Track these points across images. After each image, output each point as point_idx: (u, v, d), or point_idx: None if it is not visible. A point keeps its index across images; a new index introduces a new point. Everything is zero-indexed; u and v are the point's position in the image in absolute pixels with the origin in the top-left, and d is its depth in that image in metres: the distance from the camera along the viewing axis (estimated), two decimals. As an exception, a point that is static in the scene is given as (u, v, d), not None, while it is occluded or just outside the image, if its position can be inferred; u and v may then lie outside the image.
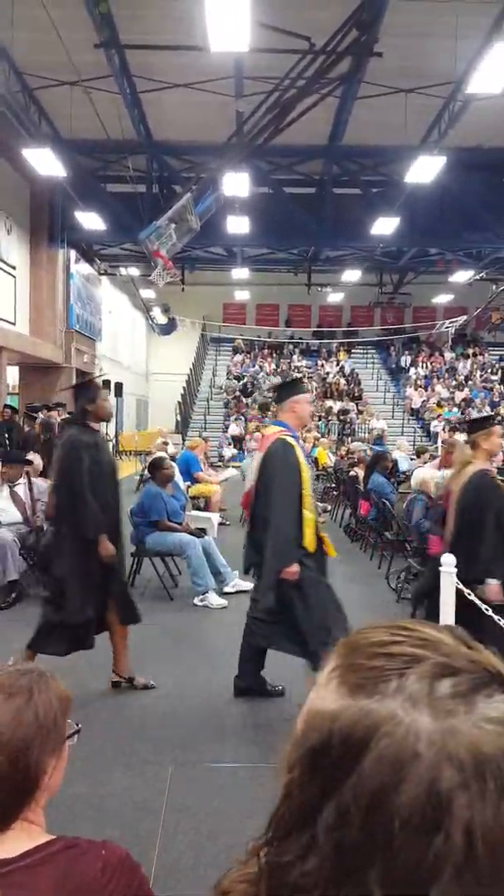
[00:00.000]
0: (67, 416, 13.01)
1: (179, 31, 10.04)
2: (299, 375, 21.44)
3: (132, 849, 1.12)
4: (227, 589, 5.97)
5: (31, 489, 6.17)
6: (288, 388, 4.15)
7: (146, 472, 7.54)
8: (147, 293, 23.12)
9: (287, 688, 3.87)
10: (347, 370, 25.94)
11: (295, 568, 3.49)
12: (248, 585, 4.69)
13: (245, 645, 3.85)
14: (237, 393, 23.88)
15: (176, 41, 10.18)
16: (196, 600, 5.79)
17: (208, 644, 4.87)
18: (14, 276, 15.18)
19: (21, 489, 6.17)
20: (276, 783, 0.47)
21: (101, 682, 4.00)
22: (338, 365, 26.18)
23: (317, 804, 0.43)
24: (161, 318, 20.72)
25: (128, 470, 18.12)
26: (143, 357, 29.79)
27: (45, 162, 11.22)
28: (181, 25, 9.89)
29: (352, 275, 20.91)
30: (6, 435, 10.73)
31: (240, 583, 5.84)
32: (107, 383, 11.86)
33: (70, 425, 4.12)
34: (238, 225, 14.78)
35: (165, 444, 11.93)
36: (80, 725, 1.19)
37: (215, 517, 8.50)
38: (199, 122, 13.30)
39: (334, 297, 25.53)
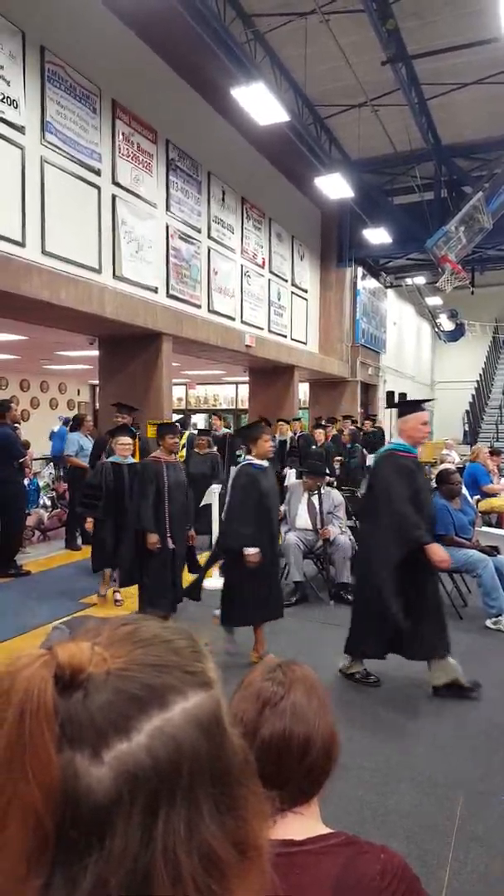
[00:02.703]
0: (356, 428, 13.42)
1: (469, 29, 9.75)
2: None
3: (420, 867, 1.09)
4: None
5: (321, 500, 6.48)
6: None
7: (432, 483, 7.37)
8: (433, 300, 22.64)
9: None
10: None
11: None
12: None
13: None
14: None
15: (466, 39, 9.91)
16: (489, 622, 5.46)
17: (500, 671, 4.56)
18: (306, 300, 16.21)
19: (316, 499, 6.53)
20: None
21: (400, 692, 4.02)
22: None
23: None
24: (448, 325, 20.08)
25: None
26: (428, 366, 29.20)
27: (336, 186, 11.76)
28: (470, 22, 9.62)
29: None
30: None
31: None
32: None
33: None
34: (536, 217, 13.63)
35: (447, 454, 11.59)
36: None
37: (509, 534, 7.90)
38: (493, 116, 12.66)
39: None
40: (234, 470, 4.67)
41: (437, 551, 3.85)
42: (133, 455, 6.22)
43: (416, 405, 4.23)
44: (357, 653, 4.22)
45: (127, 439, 5.97)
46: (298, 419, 12.55)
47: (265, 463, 4.56)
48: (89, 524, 6.04)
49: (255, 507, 4.35)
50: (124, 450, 5.91)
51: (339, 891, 0.96)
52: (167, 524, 4.99)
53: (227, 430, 10.13)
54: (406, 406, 4.24)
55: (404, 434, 4.07)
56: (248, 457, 4.56)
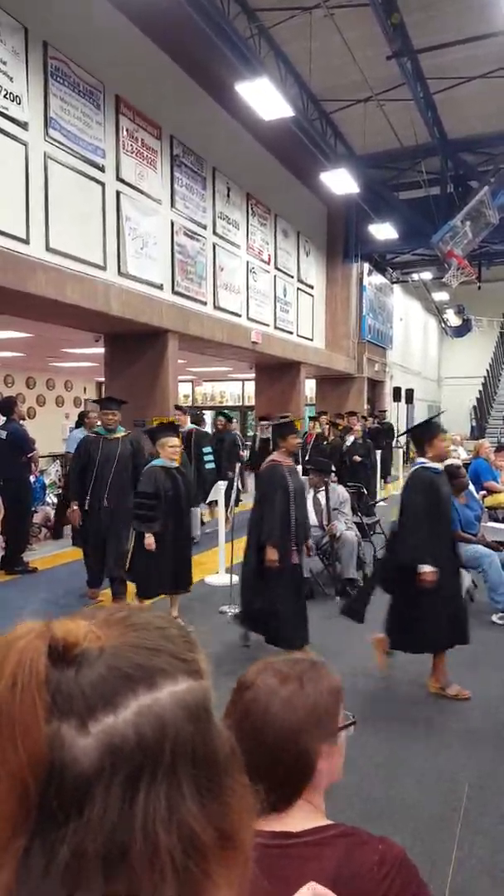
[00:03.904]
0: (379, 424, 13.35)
1: (474, 22, 9.67)
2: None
3: (424, 861, 1.09)
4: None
5: (327, 497, 6.47)
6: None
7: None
8: (440, 296, 22.54)
9: None
10: None
11: None
12: None
13: None
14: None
15: (472, 33, 9.84)
16: (495, 618, 5.44)
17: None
18: (312, 296, 16.16)
19: (322, 496, 6.52)
20: None
21: (407, 686, 4.01)
22: None
23: None
24: (454, 320, 19.99)
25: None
26: (435, 362, 29.10)
27: (341, 182, 11.71)
28: (475, 16, 9.54)
29: None
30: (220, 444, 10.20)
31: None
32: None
33: None
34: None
35: (454, 449, 11.54)
36: (355, 717, 1.19)
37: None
38: (499, 110, 12.57)
39: None
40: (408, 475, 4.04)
41: None
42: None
43: None
44: None
45: (176, 440, 5.24)
46: (286, 417, 12.00)
47: (440, 466, 4.05)
48: (150, 542, 4.91)
49: (430, 516, 3.84)
50: (175, 452, 5.15)
51: (338, 881, 0.95)
52: (293, 535, 4.46)
53: (193, 426, 8.75)
54: None
55: None
56: (422, 459, 4.00)
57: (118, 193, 8.90)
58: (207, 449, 8.61)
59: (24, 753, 0.38)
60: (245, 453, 11.65)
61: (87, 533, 5.96)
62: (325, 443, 11.92)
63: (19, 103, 7.21)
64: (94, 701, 0.40)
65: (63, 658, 0.42)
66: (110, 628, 0.45)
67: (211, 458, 8.62)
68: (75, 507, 5.85)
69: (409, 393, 18.34)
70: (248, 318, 12.64)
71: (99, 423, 6.27)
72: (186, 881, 0.40)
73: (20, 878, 0.38)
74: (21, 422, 7.48)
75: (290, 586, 4.48)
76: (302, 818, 1.06)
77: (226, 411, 9.82)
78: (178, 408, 8.90)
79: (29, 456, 7.29)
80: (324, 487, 6.50)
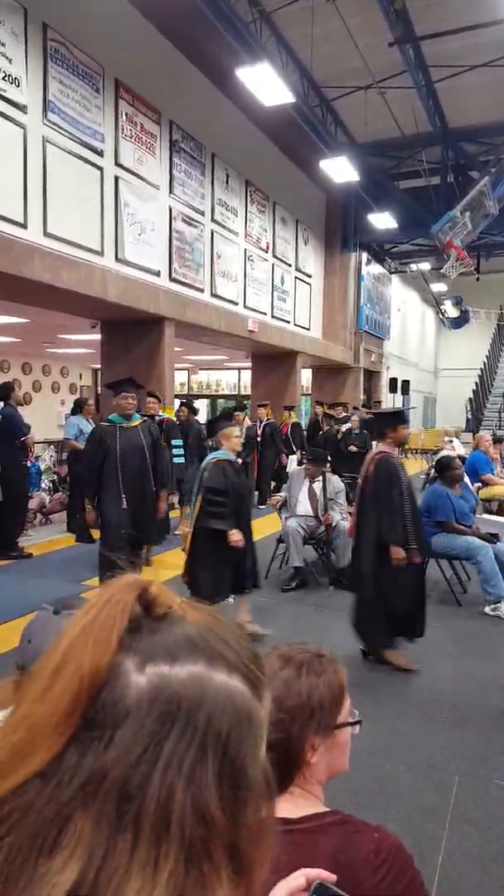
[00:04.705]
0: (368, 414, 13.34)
1: (477, 10, 9.58)
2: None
3: (414, 849, 1.10)
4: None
5: (325, 487, 6.48)
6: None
7: (433, 471, 7.37)
8: (438, 287, 22.51)
9: None
10: None
11: None
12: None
13: None
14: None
15: (474, 20, 9.74)
16: (487, 609, 5.48)
17: (498, 656, 4.58)
18: (310, 285, 16.09)
19: (318, 486, 6.52)
20: None
21: (396, 675, 4.04)
22: None
23: None
24: (452, 312, 19.98)
25: (414, 468, 17.92)
26: (432, 353, 29.09)
27: (341, 170, 11.63)
28: (478, 4, 9.44)
29: None
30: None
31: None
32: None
33: None
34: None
35: (450, 441, 11.59)
36: (359, 717, 1.20)
37: (510, 522, 7.88)
38: (501, 100, 12.49)
39: None
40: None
41: None
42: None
43: None
44: None
45: (238, 430, 4.85)
46: (265, 405, 11.28)
47: None
48: (237, 537, 4.43)
49: None
50: (238, 444, 4.77)
51: (334, 868, 0.95)
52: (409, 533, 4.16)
53: (164, 417, 8.03)
54: None
55: None
56: None
57: (116, 178, 8.82)
58: (178, 441, 7.98)
59: (89, 662, 0.43)
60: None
61: (112, 526, 5.27)
62: (319, 433, 11.96)
63: (18, 85, 7.12)
64: (159, 651, 0.45)
65: (149, 610, 0.47)
66: (197, 611, 0.50)
67: (181, 451, 8.00)
68: (90, 508, 5.35)
69: (406, 384, 18.34)
70: (245, 307, 12.59)
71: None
72: (192, 857, 0.40)
73: (47, 773, 0.41)
74: (18, 407, 7.46)
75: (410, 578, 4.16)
76: (298, 805, 1.08)
77: (190, 401, 9.17)
78: (150, 395, 8.08)
79: (22, 440, 7.27)
80: (321, 478, 6.51)
